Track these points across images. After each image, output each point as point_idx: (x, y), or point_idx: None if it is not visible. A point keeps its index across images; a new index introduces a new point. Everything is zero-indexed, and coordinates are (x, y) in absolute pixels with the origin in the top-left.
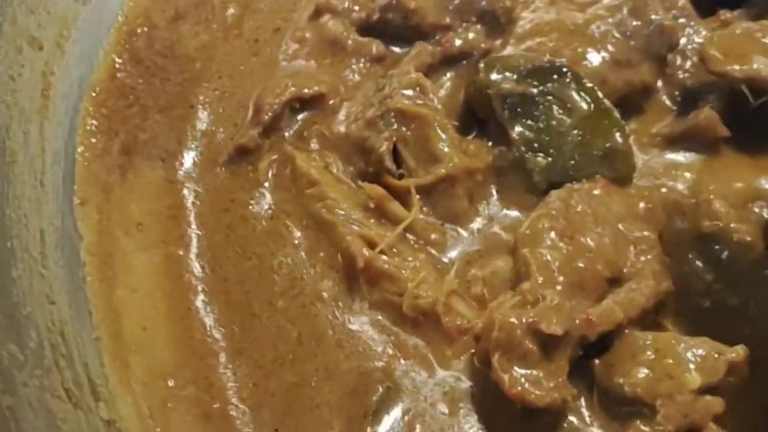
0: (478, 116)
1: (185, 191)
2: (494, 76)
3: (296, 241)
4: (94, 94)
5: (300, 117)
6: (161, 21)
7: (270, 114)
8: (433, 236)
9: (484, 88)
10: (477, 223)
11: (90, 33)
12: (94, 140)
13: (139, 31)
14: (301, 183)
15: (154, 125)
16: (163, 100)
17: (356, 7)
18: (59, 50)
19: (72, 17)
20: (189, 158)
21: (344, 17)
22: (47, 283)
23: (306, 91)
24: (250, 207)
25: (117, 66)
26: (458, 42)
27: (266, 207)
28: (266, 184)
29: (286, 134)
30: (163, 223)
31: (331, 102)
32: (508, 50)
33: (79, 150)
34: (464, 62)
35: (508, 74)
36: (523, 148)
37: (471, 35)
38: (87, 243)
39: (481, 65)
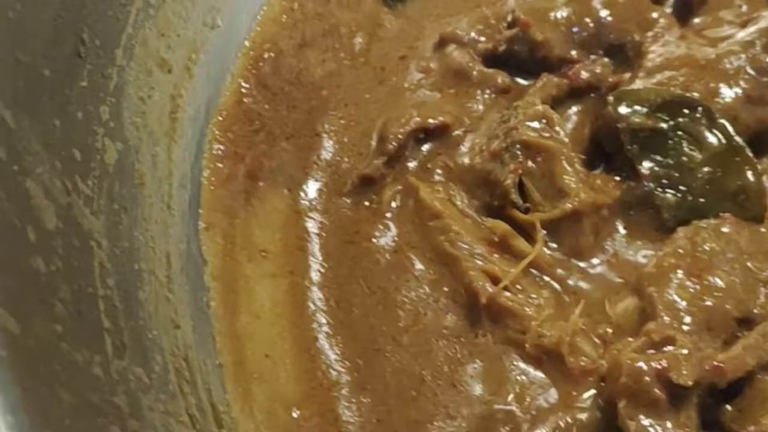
0: (605, 150)
1: (310, 221)
2: (623, 110)
3: (420, 275)
4: (220, 119)
5: (424, 147)
6: (288, 47)
7: (394, 144)
8: (558, 272)
9: (612, 121)
10: (603, 260)
11: (218, 57)
12: (220, 165)
13: (266, 56)
14: (425, 215)
15: (281, 153)
16: (289, 128)
17: (482, 38)
18: (188, 73)
19: (201, 41)
20: (314, 188)
21: (470, 48)
22: (173, 307)
23: (431, 121)
24: (374, 240)
25: (243, 91)
26: (585, 74)
27: (390, 240)
28: (390, 216)
29: (410, 165)
30: (288, 252)
31: (455, 133)
32: (638, 84)
33: (205, 174)
34: (591, 95)
35: (637, 108)
36: (652, 184)
37: (598, 68)
38: (211, 268)
39: (610, 98)
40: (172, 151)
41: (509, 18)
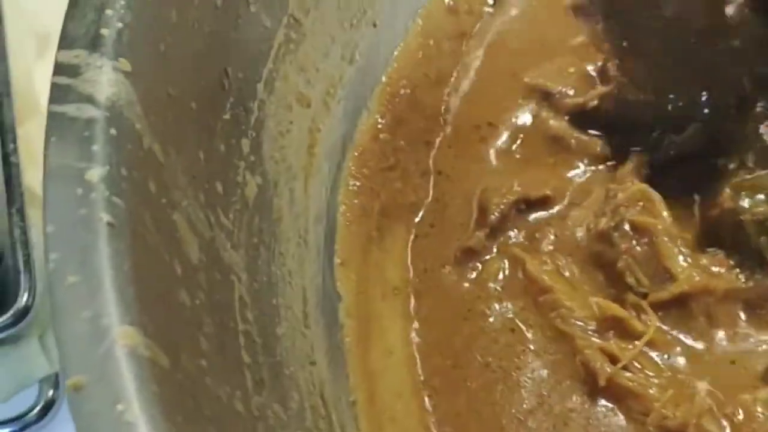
0: (725, 242)
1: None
2: (745, 202)
3: (540, 355)
4: (356, 154)
5: (528, 218)
6: (423, 84)
7: (497, 215)
8: (677, 350)
9: (734, 214)
10: (725, 342)
11: (355, 92)
12: (356, 201)
13: (402, 92)
14: (534, 289)
15: (416, 190)
16: (424, 165)
17: (571, 92)
18: (325, 108)
19: (339, 76)
20: (432, 232)
21: (558, 100)
22: (309, 342)
23: (533, 193)
24: (490, 319)
25: (379, 126)
26: (675, 147)
27: (505, 318)
28: (500, 290)
29: (512, 235)
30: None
31: (558, 204)
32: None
33: (341, 209)
34: (694, 164)
35: (759, 197)
36: None
37: (688, 134)
38: (345, 304)
39: (728, 191)
40: (309, 186)
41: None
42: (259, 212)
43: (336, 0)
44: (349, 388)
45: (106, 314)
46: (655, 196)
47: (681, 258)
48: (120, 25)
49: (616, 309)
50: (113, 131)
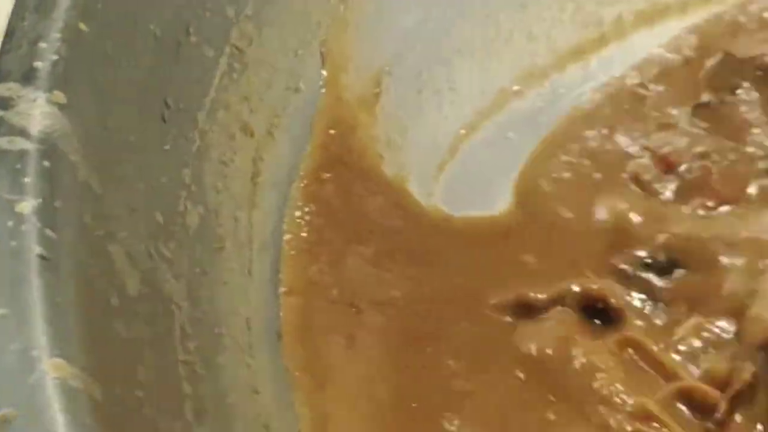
0: None
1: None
2: None
3: None
4: (302, 185)
5: None
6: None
7: None
8: None
9: None
10: None
11: (300, 121)
12: (301, 230)
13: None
14: None
15: None
16: None
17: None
18: (270, 137)
19: (283, 105)
20: None
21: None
22: (252, 372)
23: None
24: None
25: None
26: None
27: None
28: None
29: None
30: None
31: None
32: None
33: (286, 238)
34: None
35: None
36: None
37: None
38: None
39: None
40: (253, 216)
41: None
42: (202, 242)
43: (279, 30)
44: (295, 419)
45: (36, 347)
46: None
47: None
48: (54, 57)
49: None
50: (46, 163)
